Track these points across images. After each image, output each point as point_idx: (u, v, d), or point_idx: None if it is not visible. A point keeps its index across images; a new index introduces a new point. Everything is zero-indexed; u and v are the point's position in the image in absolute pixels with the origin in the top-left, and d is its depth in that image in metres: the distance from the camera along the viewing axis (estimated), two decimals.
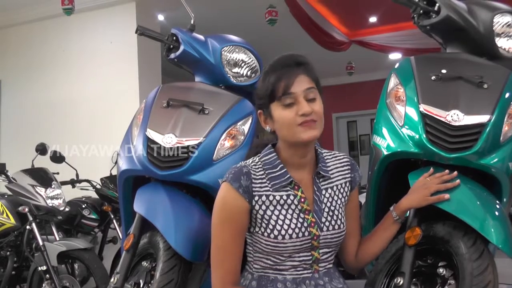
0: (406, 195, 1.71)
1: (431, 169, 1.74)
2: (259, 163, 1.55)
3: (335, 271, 1.60)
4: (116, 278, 1.95)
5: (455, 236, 1.64)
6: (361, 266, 1.71)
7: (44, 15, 5.51)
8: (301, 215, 1.51)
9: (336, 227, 1.55)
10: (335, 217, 1.56)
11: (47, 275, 3.32)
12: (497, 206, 1.69)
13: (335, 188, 1.60)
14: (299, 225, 1.50)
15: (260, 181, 1.52)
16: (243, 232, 1.52)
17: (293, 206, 1.52)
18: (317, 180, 1.58)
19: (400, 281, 1.66)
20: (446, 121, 1.78)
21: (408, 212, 1.72)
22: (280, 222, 1.49)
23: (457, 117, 1.78)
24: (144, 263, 2.11)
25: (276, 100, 1.49)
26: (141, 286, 2.06)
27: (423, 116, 1.83)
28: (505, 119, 1.81)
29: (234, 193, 1.49)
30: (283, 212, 1.50)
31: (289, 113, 1.48)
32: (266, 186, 1.52)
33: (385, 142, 1.93)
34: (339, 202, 1.60)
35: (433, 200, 1.66)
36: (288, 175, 1.53)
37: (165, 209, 1.96)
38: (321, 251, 1.54)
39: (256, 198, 1.50)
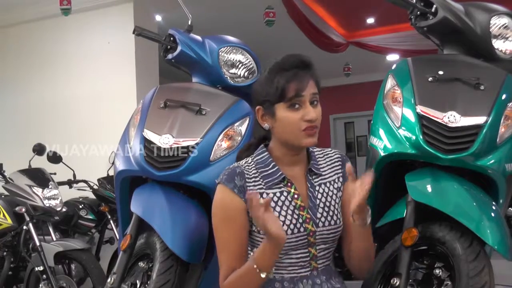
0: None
1: None
2: (252, 163, 1.58)
3: (334, 269, 1.60)
4: (113, 279, 1.95)
5: (452, 237, 1.64)
6: (359, 268, 1.67)
7: (42, 15, 5.49)
8: (296, 211, 1.53)
9: (332, 222, 1.56)
10: (330, 213, 1.57)
11: (44, 276, 3.31)
12: (493, 208, 1.69)
13: (328, 184, 1.62)
14: (294, 221, 1.51)
15: (253, 179, 1.54)
16: (244, 231, 1.52)
17: (287, 203, 1.53)
18: (310, 177, 1.60)
19: (396, 282, 1.66)
20: (442, 123, 1.79)
21: (405, 213, 1.72)
22: None
23: (453, 119, 1.78)
24: (141, 264, 2.10)
25: (284, 101, 1.50)
26: (138, 286, 2.06)
27: (420, 117, 1.83)
28: (502, 121, 1.81)
29: (230, 193, 1.51)
30: (277, 209, 1.52)
31: (295, 116, 1.50)
32: (260, 184, 1.54)
33: (382, 143, 1.93)
34: (334, 197, 1.60)
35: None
36: (280, 172, 1.55)
37: (162, 209, 1.96)
38: (318, 247, 1.54)
39: None
